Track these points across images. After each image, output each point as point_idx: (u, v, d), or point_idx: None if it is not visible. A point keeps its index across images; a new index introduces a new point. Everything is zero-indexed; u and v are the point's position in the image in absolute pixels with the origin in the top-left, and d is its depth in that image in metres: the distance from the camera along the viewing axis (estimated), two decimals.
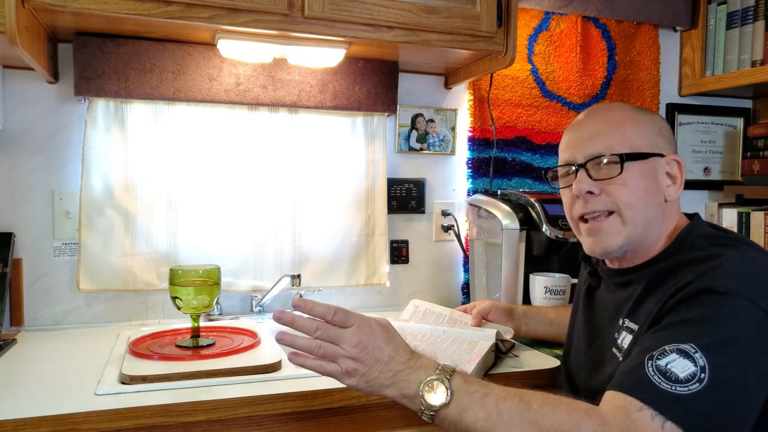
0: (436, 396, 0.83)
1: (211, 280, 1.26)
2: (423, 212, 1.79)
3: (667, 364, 0.76)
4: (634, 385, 0.77)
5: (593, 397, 0.84)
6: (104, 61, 1.44)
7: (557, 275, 1.51)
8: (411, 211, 1.78)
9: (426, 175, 1.80)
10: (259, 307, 1.59)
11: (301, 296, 1.63)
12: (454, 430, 0.83)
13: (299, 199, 1.64)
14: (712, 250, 0.88)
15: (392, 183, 1.75)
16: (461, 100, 1.82)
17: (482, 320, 1.32)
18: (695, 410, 0.73)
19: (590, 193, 0.97)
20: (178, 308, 1.25)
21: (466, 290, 1.82)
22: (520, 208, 1.53)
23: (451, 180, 1.83)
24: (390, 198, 1.74)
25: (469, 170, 1.81)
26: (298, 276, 1.58)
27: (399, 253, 1.78)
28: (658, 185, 0.96)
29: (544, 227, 1.47)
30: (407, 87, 1.75)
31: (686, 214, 1.01)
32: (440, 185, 1.82)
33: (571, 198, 1.01)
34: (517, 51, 1.48)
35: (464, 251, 1.81)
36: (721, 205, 2.03)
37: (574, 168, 0.99)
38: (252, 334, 1.34)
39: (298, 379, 1.10)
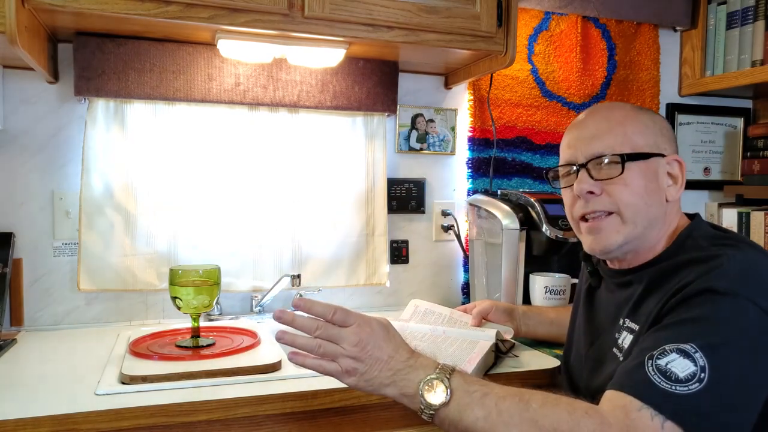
0: (436, 395, 0.83)
1: (211, 280, 1.26)
2: (423, 212, 1.79)
3: (667, 364, 0.76)
4: (634, 385, 0.77)
5: (593, 396, 0.84)
6: (104, 61, 1.44)
7: (557, 275, 1.51)
8: (411, 211, 1.78)
9: (426, 175, 1.80)
10: (259, 307, 1.59)
11: (300, 296, 1.64)
12: (454, 429, 0.83)
13: (299, 199, 1.64)
14: (713, 251, 0.88)
15: (392, 183, 1.75)
16: (461, 100, 1.82)
17: (482, 320, 1.32)
18: (695, 410, 0.73)
19: (591, 193, 0.97)
20: (178, 308, 1.25)
21: (466, 290, 1.82)
22: (520, 208, 1.53)
23: (451, 180, 1.83)
24: (390, 198, 1.74)
25: (469, 170, 1.81)
26: (298, 276, 1.58)
27: (399, 253, 1.78)
28: (659, 185, 0.96)
29: (544, 227, 1.47)
30: (407, 87, 1.75)
31: (687, 214, 1.01)
32: (440, 185, 1.82)
33: (572, 198, 1.01)
34: (517, 51, 1.48)
35: (464, 251, 1.81)
36: (721, 205, 2.03)
37: (575, 168, 0.99)
38: (252, 334, 1.34)
39: (298, 379, 1.10)
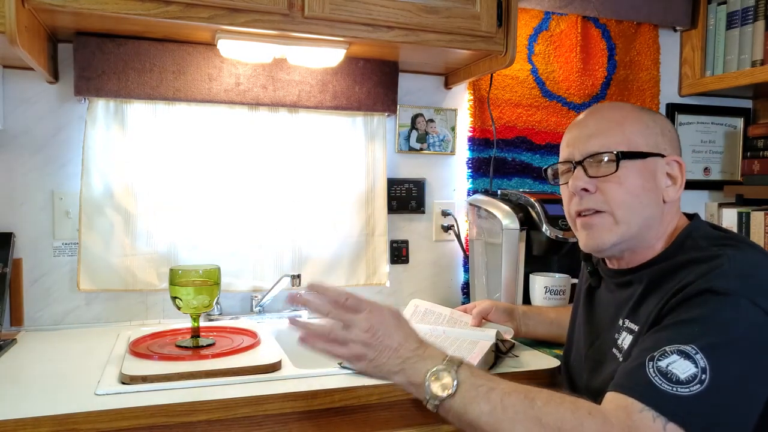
0: (443, 386, 0.83)
1: (211, 280, 1.26)
2: (423, 212, 1.79)
3: (668, 365, 0.76)
4: (635, 387, 0.77)
5: (593, 397, 0.84)
6: (104, 61, 1.44)
7: (557, 275, 1.51)
8: (411, 211, 1.78)
9: (426, 175, 1.80)
10: (259, 307, 1.59)
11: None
12: (458, 421, 0.83)
13: (299, 199, 1.64)
14: (713, 251, 0.88)
15: (392, 183, 1.75)
16: (461, 100, 1.82)
17: (482, 320, 1.32)
18: (697, 411, 0.73)
19: (585, 190, 0.97)
20: (178, 308, 1.25)
21: (466, 290, 1.82)
22: (520, 208, 1.53)
23: (451, 180, 1.83)
24: (390, 198, 1.74)
25: (469, 170, 1.81)
26: (298, 276, 1.58)
27: (399, 253, 1.78)
28: (656, 185, 0.96)
29: (544, 227, 1.47)
30: (407, 87, 1.75)
31: (686, 214, 1.01)
32: (440, 185, 1.82)
33: (569, 195, 1.01)
34: (517, 51, 1.48)
35: (464, 251, 1.80)
36: (721, 205, 2.03)
37: (573, 165, 1.00)
38: (252, 334, 1.34)
39: (298, 379, 1.10)
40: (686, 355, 0.76)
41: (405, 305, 1.47)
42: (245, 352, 1.21)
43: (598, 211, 0.97)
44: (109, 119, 1.48)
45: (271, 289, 1.56)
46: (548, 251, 1.50)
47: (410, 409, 1.10)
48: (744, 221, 1.88)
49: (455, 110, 1.81)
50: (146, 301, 1.56)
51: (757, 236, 1.82)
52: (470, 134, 1.81)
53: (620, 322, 0.98)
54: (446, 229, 1.79)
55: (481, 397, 0.81)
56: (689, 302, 0.82)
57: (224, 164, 1.57)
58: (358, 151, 1.69)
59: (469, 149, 1.81)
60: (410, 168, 1.79)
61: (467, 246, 1.79)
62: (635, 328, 0.93)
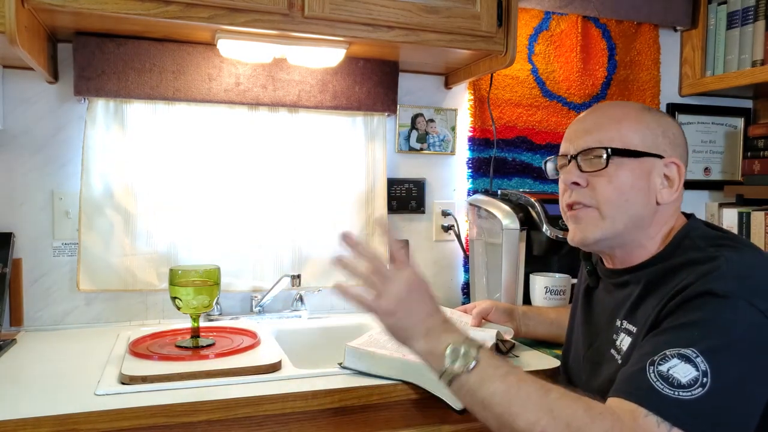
0: (462, 361, 0.84)
1: (210, 280, 1.26)
2: (423, 212, 1.79)
3: (668, 370, 0.76)
4: (637, 392, 0.77)
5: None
6: (104, 61, 1.44)
7: (557, 275, 1.51)
8: (411, 211, 1.78)
9: (426, 175, 1.80)
10: (259, 308, 1.58)
11: (301, 296, 1.64)
12: (470, 398, 0.84)
13: (299, 199, 1.63)
14: (711, 252, 0.87)
15: (392, 183, 1.75)
16: (461, 100, 1.82)
17: (482, 320, 1.32)
18: (699, 415, 0.73)
19: (576, 184, 0.98)
20: (178, 308, 1.25)
21: (466, 290, 1.81)
22: (520, 208, 1.53)
23: (451, 180, 1.83)
24: (390, 198, 1.74)
25: (470, 170, 1.81)
26: (298, 276, 1.58)
27: None
28: (649, 185, 0.95)
29: (545, 227, 1.47)
30: (407, 87, 1.75)
31: (683, 214, 1.01)
32: (440, 185, 1.82)
33: (563, 188, 1.03)
34: (517, 51, 1.48)
35: (464, 251, 1.80)
36: (721, 205, 2.03)
37: (568, 159, 1.01)
38: (252, 334, 1.34)
39: (298, 379, 1.10)
40: (687, 359, 0.76)
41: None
42: (245, 352, 1.21)
43: (586, 206, 0.98)
44: (108, 119, 1.48)
45: (271, 289, 1.56)
46: (548, 251, 1.50)
47: (410, 409, 1.10)
48: (744, 221, 1.88)
49: (455, 110, 1.80)
50: (146, 301, 1.56)
51: (757, 236, 1.82)
52: (470, 134, 1.81)
53: (618, 323, 0.98)
54: (446, 229, 1.79)
55: (497, 378, 0.82)
56: (688, 305, 0.82)
57: (224, 164, 1.57)
58: (358, 151, 1.68)
59: (469, 149, 1.81)
60: (410, 168, 1.79)
61: (467, 246, 1.78)
62: (633, 329, 0.93)
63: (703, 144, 2.10)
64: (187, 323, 1.30)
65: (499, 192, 1.67)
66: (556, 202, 1.52)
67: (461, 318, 1.34)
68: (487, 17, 1.43)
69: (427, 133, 1.78)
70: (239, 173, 1.58)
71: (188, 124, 1.54)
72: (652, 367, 0.77)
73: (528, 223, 1.51)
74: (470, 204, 1.69)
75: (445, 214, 1.80)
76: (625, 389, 0.79)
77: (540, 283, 1.49)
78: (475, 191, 1.80)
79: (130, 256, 1.50)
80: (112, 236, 1.49)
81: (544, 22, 1.86)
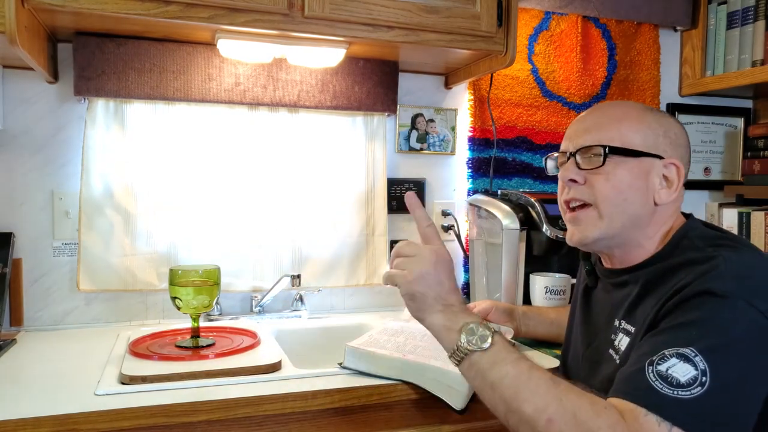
0: (477, 339, 0.84)
1: (210, 280, 1.26)
2: None
3: (667, 369, 0.76)
4: (636, 392, 0.77)
5: None
6: (104, 61, 1.44)
7: (557, 275, 1.51)
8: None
9: (426, 175, 1.80)
10: (259, 308, 1.58)
11: (301, 296, 1.63)
12: (479, 378, 0.84)
13: (299, 199, 1.63)
14: (709, 252, 0.87)
15: (392, 183, 1.75)
16: (461, 100, 1.82)
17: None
18: (699, 414, 0.74)
19: (574, 181, 0.99)
20: (178, 308, 1.25)
21: (467, 290, 1.81)
22: (520, 208, 1.53)
23: (451, 180, 1.83)
24: (390, 198, 1.74)
25: (470, 170, 1.81)
26: (298, 276, 1.58)
27: None
28: (647, 185, 0.95)
29: (545, 227, 1.47)
30: (407, 87, 1.75)
31: (682, 214, 1.01)
32: (440, 185, 1.82)
33: (562, 185, 1.03)
34: (517, 51, 1.48)
35: (464, 251, 1.80)
36: (721, 205, 2.03)
37: (567, 156, 1.01)
38: (252, 334, 1.34)
39: (298, 380, 1.10)
40: (686, 358, 0.76)
41: (405, 306, 1.47)
42: (245, 352, 1.21)
43: (584, 205, 0.98)
44: (108, 119, 1.48)
45: (271, 289, 1.56)
46: (548, 251, 1.50)
47: (410, 409, 1.10)
48: (744, 221, 1.88)
49: (455, 110, 1.80)
50: (146, 301, 1.56)
51: (757, 236, 1.82)
52: (470, 134, 1.81)
53: (616, 323, 0.98)
54: (446, 229, 1.79)
55: (510, 362, 0.82)
56: (686, 304, 0.82)
57: (224, 164, 1.57)
58: (358, 151, 1.68)
59: (469, 149, 1.81)
60: (410, 168, 1.79)
61: (467, 246, 1.78)
62: (632, 329, 0.93)
63: (703, 144, 2.10)
64: (187, 323, 1.30)
65: (499, 192, 1.67)
66: (556, 202, 1.53)
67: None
68: (487, 17, 1.43)
69: (427, 133, 1.78)
70: (239, 173, 1.58)
71: (188, 124, 1.54)
72: (651, 367, 0.77)
73: (528, 223, 1.51)
74: (470, 204, 1.69)
75: (445, 214, 1.80)
76: (625, 389, 0.79)
77: (540, 283, 1.49)
78: (475, 191, 1.80)
79: (130, 256, 1.50)
80: (112, 236, 1.49)
81: (544, 22, 1.86)
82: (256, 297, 1.60)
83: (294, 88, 1.59)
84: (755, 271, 0.84)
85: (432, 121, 1.78)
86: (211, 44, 1.48)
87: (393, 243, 1.76)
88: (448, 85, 1.79)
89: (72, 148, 1.49)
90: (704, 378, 0.74)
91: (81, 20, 1.32)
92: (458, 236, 1.79)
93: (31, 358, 1.23)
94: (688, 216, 1.01)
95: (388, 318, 1.47)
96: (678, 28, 2.02)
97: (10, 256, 1.41)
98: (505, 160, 1.84)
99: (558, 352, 1.25)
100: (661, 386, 0.75)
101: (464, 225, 1.81)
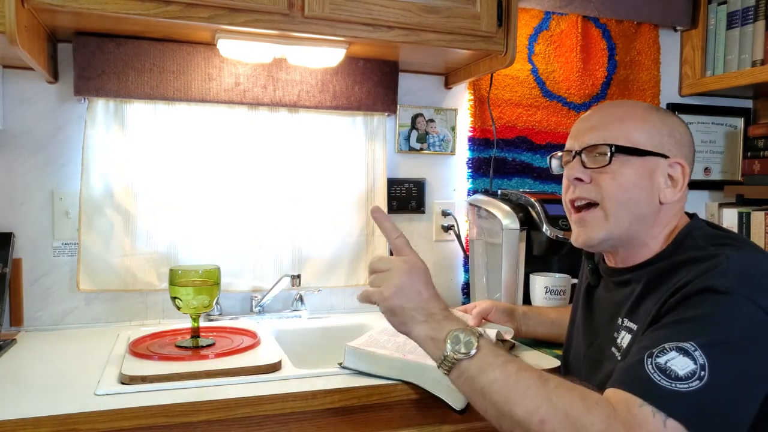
0: (463, 347, 0.84)
1: (210, 280, 1.26)
2: (423, 212, 1.79)
3: (666, 362, 0.76)
4: (634, 383, 0.77)
5: None
6: (104, 61, 1.43)
7: (557, 275, 1.51)
8: (411, 211, 1.78)
9: (426, 175, 1.80)
10: (259, 307, 1.58)
11: (300, 296, 1.63)
12: (468, 385, 0.84)
13: (299, 199, 1.63)
14: (712, 250, 0.88)
15: (392, 183, 1.75)
16: (461, 100, 1.82)
17: (482, 320, 1.32)
18: (696, 407, 0.74)
19: (579, 179, 0.99)
20: (178, 308, 1.25)
21: (467, 290, 1.81)
22: (520, 208, 1.53)
23: (451, 180, 1.83)
24: (390, 198, 1.74)
25: (470, 170, 1.81)
26: (298, 276, 1.58)
27: None
28: (652, 184, 0.96)
29: (545, 227, 1.47)
30: (407, 87, 1.75)
31: (686, 214, 1.02)
32: (440, 185, 1.82)
33: (566, 185, 1.03)
34: (517, 51, 1.48)
35: (464, 251, 1.80)
36: (721, 205, 2.03)
37: (572, 155, 1.01)
38: (252, 334, 1.34)
39: (298, 380, 1.10)
40: (685, 352, 0.76)
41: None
42: (245, 352, 1.21)
43: (591, 205, 0.98)
44: (108, 119, 1.48)
45: (271, 289, 1.56)
46: (548, 251, 1.50)
47: (410, 409, 1.10)
48: (744, 221, 1.88)
49: (455, 110, 1.80)
50: (146, 301, 1.55)
51: (757, 236, 1.82)
52: (470, 134, 1.81)
53: (619, 321, 0.98)
54: (446, 229, 1.79)
55: (497, 366, 0.82)
56: (688, 301, 0.82)
57: (224, 164, 1.57)
58: (358, 151, 1.68)
59: (469, 149, 1.81)
60: (410, 168, 1.79)
61: (467, 246, 1.78)
62: (634, 327, 0.93)
63: (703, 144, 2.10)
64: (187, 323, 1.30)
65: (499, 192, 1.67)
66: (556, 202, 1.53)
67: (461, 318, 1.34)
68: (487, 17, 1.43)
69: (427, 133, 1.78)
70: (239, 173, 1.58)
71: (188, 124, 1.54)
72: (650, 359, 0.78)
73: (528, 223, 1.51)
74: (470, 204, 1.69)
75: (445, 214, 1.80)
76: (622, 380, 0.79)
77: (540, 283, 1.49)
78: (475, 191, 1.80)
79: (130, 256, 1.50)
80: (112, 236, 1.49)
81: (544, 22, 1.86)
82: (256, 297, 1.60)
83: (294, 88, 1.59)
84: (757, 269, 0.85)
85: (432, 121, 1.78)
86: (211, 44, 1.48)
87: None
88: (448, 85, 1.79)
89: (72, 148, 1.49)
90: (703, 372, 0.75)
91: (81, 20, 1.32)
92: (458, 236, 1.79)
93: (31, 358, 1.23)
94: (692, 216, 1.01)
95: None
96: (678, 28, 2.02)
97: (10, 256, 1.41)
98: (505, 160, 1.84)
99: (558, 352, 1.25)
100: (659, 378, 0.75)
101: (464, 225, 1.81)
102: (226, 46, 1.40)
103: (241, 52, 1.43)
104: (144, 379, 1.05)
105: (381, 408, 1.09)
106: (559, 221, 1.45)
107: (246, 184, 1.59)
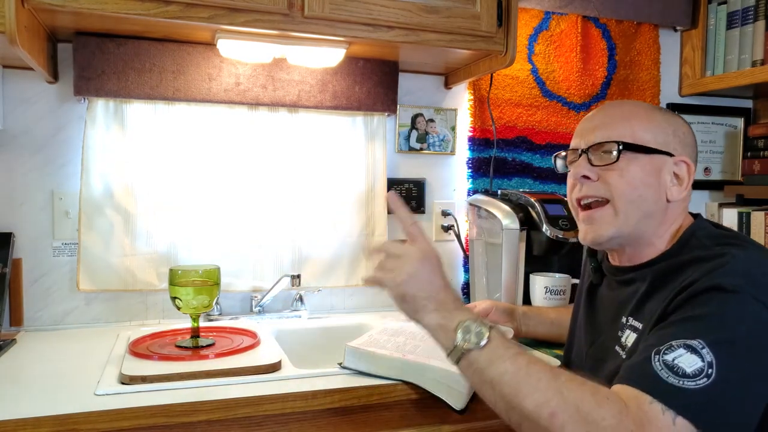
0: (473, 337, 0.83)
1: (210, 280, 1.26)
2: (423, 212, 1.79)
3: (674, 359, 0.77)
4: (642, 380, 0.77)
5: None
6: (104, 61, 1.43)
7: (557, 275, 1.51)
8: (411, 211, 1.77)
9: (426, 175, 1.80)
10: (258, 307, 1.58)
11: (300, 296, 1.63)
12: (478, 377, 0.83)
13: (299, 199, 1.63)
14: (718, 249, 0.88)
15: (392, 183, 1.74)
16: (461, 100, 1.82)
17: None
18: (704, 405, 0.74)
19: (587, 177, 0.99)
20: (178, 308, 1.25)
21: (467, 290, 1.81)
22: (520, 208, 1.53)
23: (451, 180, 1.83)
24: None
25: (469, 170, 1.81)
26: (298, 276, 1.58)
27: None
28: (659, 182, 0.96)
29: (545, 227, 1.47)
30: (407, 87, 1.75)
31: (690, 214, 1.02)
32: (440, 185, 1.82)
33: (572, 183, 1.03)
34: (517, 51, 1.48)
35: (464, 251, 1.80)
36: (721, 205, 2.03)
37: (578, 153, 1.01)
38: (252, 334, 1.34)
39: (298, 380, 1.10)
40: (693, 350, 0.77)
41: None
42: (245, 352, 1.21)
43: (599, 203, 0.98)
44: (108, 119, 1.48)
45: (271, 289, 1.56)
46: (548, 251, 1.50)
47: (410, 409, 1.10)
48: (744, 221, 1.88)
49: (455, 110, 1.80)
50: (146, 301, 1.55)
51: (757, 236, 1.82)
52: (470, 134, 1.81)
53: (623, 319, 0.98)
54: (446, 229, 1.79)
55: (508, 358, 0.81)
56: (695, 299, 0.83)
57: (224, 164, 1.57)
58: (358, 151, 1.68)
59: (469, 149, 1.81)
60: (410, 168, 1.79)
61: (467, 246, 1.78)
62: (639, 326, 0.93)
63: (703, 144, 2.10)
64: (187, 323, 1.30)
65: (499, 192, 1.67)
66: (556, 202, 1.53)
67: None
68: (487, 17, 1.43)
69: (427, 133, 1.78)
70: (239, 173, 1.58)
71: (188, 124, 1.54)
72: (657, 357, 0.78)
73: (528, 223, 1.51)
74: (470, 204, 1.69)
75: (445, 214, 1.80)
76: (629, 377, 0.79)
77: (540, 283, 1.49)
78: (475, 191, 1.80)
79: (130, 256, 1.50)
80: (112, 236, 1.49)
81: (544, 22, 1.86)
82: (256, 297, 1.60)
83: (294, 88, 1.59)
84: (763, 269, 0.85)
85: (432, 121, 1.78)
86: (211, 44, 1.48)
87: None
88: (448, 85, 1.79)
89: (72, 148, 1.49)
90: (710, 370, 0.75)
91: (81, 20, 1.32)
92: (458, 236, 1.79)
93: (31, 358, 1.23)
94: (695, 216, 1.01)
95: (388, 318, 1.47)
96: (678, 28, 2.02)
97: (10, 256, 1.41)
98: (505, 160, 1.84)
99: (558, 352, 1.25)
100: (667, 375, 0.75)
101: (464, 225, 1.81)
102: (226, 46, 1.40)
103: (241, 52, 1.43)
104: (144, 379, 1.05)
105: (381, 408, 1.09)
106: (559, 221, 1.45)
107: (246, 184, 1.59)
